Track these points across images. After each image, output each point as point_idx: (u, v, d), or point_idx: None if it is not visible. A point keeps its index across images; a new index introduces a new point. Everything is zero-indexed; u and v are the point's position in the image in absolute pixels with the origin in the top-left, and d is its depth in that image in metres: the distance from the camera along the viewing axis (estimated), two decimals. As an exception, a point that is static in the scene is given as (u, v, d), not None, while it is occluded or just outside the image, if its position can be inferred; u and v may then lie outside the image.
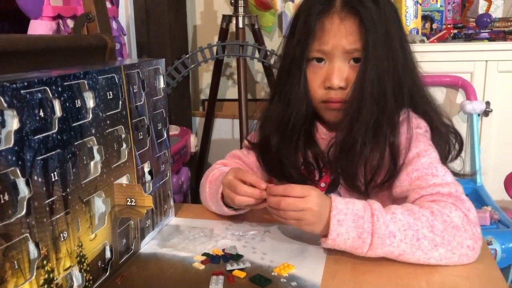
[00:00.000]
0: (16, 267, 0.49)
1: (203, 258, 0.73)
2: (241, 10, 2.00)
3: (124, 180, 0.71)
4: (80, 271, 0.61)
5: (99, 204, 0.66)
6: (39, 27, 1.36)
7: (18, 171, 0.49)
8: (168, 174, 0.87)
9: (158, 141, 0.82)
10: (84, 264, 0.62)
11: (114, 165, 0.68)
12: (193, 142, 1.94)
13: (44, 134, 0.53)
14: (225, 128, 2.38)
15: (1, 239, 0.47)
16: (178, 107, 2.30)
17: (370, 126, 0.78)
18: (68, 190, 0.57)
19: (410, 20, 1.95)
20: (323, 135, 0.87)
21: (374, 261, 0.71)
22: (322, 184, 0.88)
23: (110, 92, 0.66)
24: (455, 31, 2.05)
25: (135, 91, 0.73)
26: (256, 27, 2.05)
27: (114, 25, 1.61)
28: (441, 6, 2.11)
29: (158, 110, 0.82)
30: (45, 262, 0.54)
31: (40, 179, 0.52)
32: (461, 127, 1.83)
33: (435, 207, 0.70)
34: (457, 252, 0.68)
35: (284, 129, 0.85)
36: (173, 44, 2.23)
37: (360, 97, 0.78)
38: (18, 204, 0.50)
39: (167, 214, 0.88)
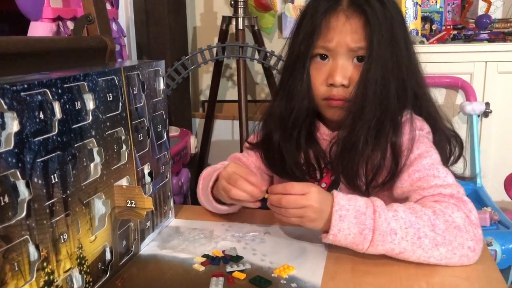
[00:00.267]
0: (16, 269, 0.49)
1: (203, 259, 0.73)
2: (241, 11, 2.00)
3: (124, 181, 0.71)
4: (80, 273, 0.61)
5: (99, 206, 0.66)
6: (39, 29, 1.36)
7: (18, 173, 0.49)
8: (168, 175, 0.87)
9: (158, 142, 0.82)
10: (84, 266, 0.62)
11: (114, 167, 0.68)
12: (193, 143, 1.94)
13: (44, 136, 0.53)
14: (225, 129, 2.38)
15: (1, 241, 0.47)
16: (178, 109, 2.30)
17: (373, 125, 0.78)
18: (68, 192, 0.58)
19: (410, 21, 1.95)
20: (324, 135, 0.88)
21: (374, 262, 0.71)
22: (323, 185, 0.88)
23: (110, 94, 0.66)
24: (455, 32, 2.05)
25: (135, 92, 0.73)
26: (256, 28, 2.05)
27: (114, 26, 1.61)
28: (440, 7, 2.12)
29: (158, 112, 0.82)
30: (45, 264, 0.54)
31: (40, 181, 0.52)
32: (461, 128, 1.84)
33: (438, 206, 0.70)
34: (457, 252, 0.68)
35: (285, 124, 0.85)
36: (173, 45, 2.23)
37: (364, 95, 0.78)
38: (18, 206, 0.50)
39: (167, 215, 0.88)
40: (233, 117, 2.30)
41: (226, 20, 2.04)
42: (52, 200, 0.55)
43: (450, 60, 1.83)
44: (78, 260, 0.60)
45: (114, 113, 0.68)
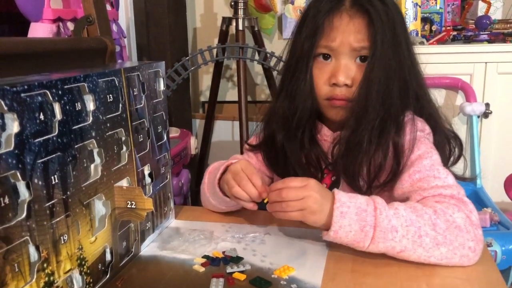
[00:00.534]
0: (17, 270, 0.49)
1: (203, 260, 0.73)
2: (241, 12, 2.00)
3: (124, 182, 0.71)
4: (80, 273, 0.61)
5: (99, 207, 0.66)
6: (39, 30, 1.36)
7: (18, 174, 0.49)
8: (168, 176, 0.87)
9: (158, 143, 0.82)
10: (85, 266, 0.62)
11: (114, 168, 0.68)
12: (193, 144, 1.94)
13: (44, 137, 0.53)
14: (225, 130, 2.38)
15: (2, 242, 0.47)
16: (178, 109, 2.30)
17: (376, 125, 0.78)
18: (68, 193, 0.58)
19: (410, 22, 1.95)
20: (325, 136, 0.88)
21: (374, 263, 0.71)
22: (323, 185, 0.88)
23: (110, 95, 0.67)
24: (455, 33, 2.05)
25: (135, 93, 0.73)
26: (256, 29, 2.05)
27: (114, 27, 1.62)
28: (440, 8, 2.12)
29: (158, 113, 0.82)
30: (45, 265, 0.54)
31: (40, 182, 0.52)
32: (461, 129, 1.84)
33: (438, 206, 0.70)
34: (458, 252, 0.68)
35: (289, 124, 0.85)
36: (173, 46, 2.23)
37: (367, 95, 0.78)
38: (19, 207, 0.50)
39: (167, 216, 0.88)
40: (233, 118, 2.30)
41: (226, 21, 2.04)
42: (53, 201, 0.55)
43: (450, 61, 1.83)
44: (79, 261, 0.60)
45: (114, 114, 0.68)
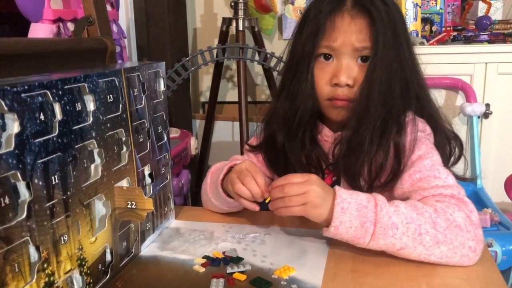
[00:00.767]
0: (17, 270, 0.49)
1: (204, 261, 0.73)
2: (241, 12, 2.00)
3: (124, 183, 0.71)
4: (80, 274, 0.61)
5: (100, 207, 0.66)
6: (40, 30, 1.36)
7: (18, 174, 0.49)
8: (168, 176, 0.87)
9: (159, 144, 0.82)
10: (85, 267, 0.62)
11: (114, 168, 0.68)
12: (193, 144, 1.94)
13: (44, 138, 0.53)
14: (225, 131, 2.38)
15: (2, 242, 0.47)
16: (178, 110, 2.30)
17: (378, 125, 0.79)
18: (68, 193, 0.58)
19: (410, 22, 1.95)
20: (325, 137, 0.88)
21: (374, 263, 0.71)
22: None
23: (111, 95, 0.67)
24: (455, 33, 2.05)
25: (135, 94, 0.74)
26: (256, 29, 2.05)
27: (114, 28, 1.62)
28: (440, 8, 2.12)
29: (158, 113, 0.82)
30: (45, 265, 0.54)
31: (40, 182, 0.52)
32: (461, 129, 1.84)
33: (439, 205, 0.70)
34: (458, 252, 0.68)
35: (290, 125, 0.85)
36: (173, 46, 2.23)
37: (369, 95, 0.78)
38: (19, 207, 0.50)
39: (167, 216, 0.88)
40: (233, 119, 2.30)
41: (226, 21, 2.04)
42: (53, 201, 0.55)
43: (450, 61, 1.83)
44: (79, 261, 0.60)
45: (115, 115, 0.68)
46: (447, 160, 0.87)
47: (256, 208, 0.78)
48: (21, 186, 0.50)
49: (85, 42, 1.03)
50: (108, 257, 0.68)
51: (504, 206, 1.75)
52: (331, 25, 0.80)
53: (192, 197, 2.03)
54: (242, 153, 1.01)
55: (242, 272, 0.70)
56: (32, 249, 0.52)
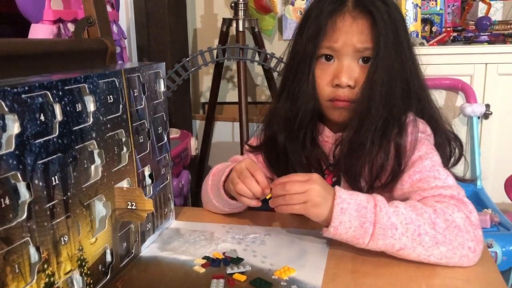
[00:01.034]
0: (17, 271, 0.49)
1: (204, 261, 0.73)
2: (241, 13, 2.00)
3: (124, 183, 0.71)
4: (80, 274, 0.61)
5: (100, 208, 0.66)
6: (40, 31, 1.36)
7: (19, 175, 0.49)
8: (168, 177, 0.87)
9: (159, 144, 0.82)
10: (85, 267, 0.62)
11: (114, 169, 0.68)
12: (194, 145, 1.94)
13: (45, 138, 0.53)
14: (225, 131, 2.38)
15: (2, 243, 0.47)
16: (178, 110, 2.30)
17: (379, 126, 0.79)
18: (68, 194, 0.58)
19: (410, 23, 1.95)
20: (326, 137, 0.88)
21: (374, 263, 0.71)
22: None
23: (111, 96, 0.67)
24: (455, 34, 2.05)
25: (135, 94, 0.74)
26: (256, 30, 2.05)
27: (114, 28, 1.62)
28: (440, 9, 2.12)
29: (158, 114, 0.82)
30: (45, 266, 0.54)
31: (40, 183, 0.52)
32: (461, 130, 1.83)
33: (438, 206, 0.70)
34: (458, 252, 0.68)
35: (291, 126, 0.85)
36: (173, 47, 2.23)
37: (370, 96, 0.78)
38: (19, 208, 0.50)
39: (167, 217, 0.88)
40: (234, 119, 2.30)
41: (227, 22, 2.04)
42: (53, 202, 0.55)
43: (450, 62, 1.83)
44: (79, 262, 0.60)
45: (115, 115, 0.68)
46: (447, 161, 0.87)
47: (258, 204, 0.78)
48: (22, 187, 0.50)
49: (85, 43, 1.03)
50: (108, 257, 0.68)
51: (504, 206, 1.75)
52: (332, 26, 0.80)
53: (192, 198, 2.03)
54: (242, 154, 1.01)
55: (242, 273, 0.70)
56: (32, 250, 0.52)
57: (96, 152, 0.64)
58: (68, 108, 0.57)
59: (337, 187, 0.72)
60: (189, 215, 0.94)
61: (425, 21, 2.10)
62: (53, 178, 0.54)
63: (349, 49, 0.80)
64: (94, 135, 0.63)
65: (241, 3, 1.99)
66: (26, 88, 0.50)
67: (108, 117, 0.66)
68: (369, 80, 0.79)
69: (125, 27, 2.09)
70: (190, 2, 2.42)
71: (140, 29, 2.20)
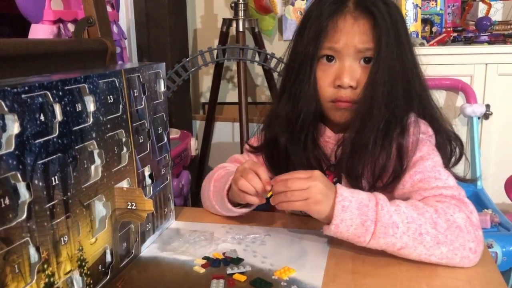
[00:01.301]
0: (17, 271, 0.49)
1: (204, 261, 0.73)
2: (241, 13, 2.00)
3: (124, 184, 0.71)
4: (80, 275, 0.61)
5: (100, 208, 0.66)
6: (40, 31, 1.36)
7: (18, 175, 0.49)
8: (168, 177, 0.87)
9: (159, 144, 0.82)
10: (85, 268, 0.62)
11: (114, 169, 0.68)
12: (194, 145, 1.94)
13: (44, 138, 0.53)
14: (225, 132, 2.38)
15: (2, 243, 0.47)
16: (178, 111, 2.30)
17: (381, 126, 0.79)
18: (68, 194, 0.58)
19: (410, 23, 1.95)
20: (327, 138, 0.88)
21: (374, 264, 0.71)
22: None
23: (111, 96, 0.67)
24: (455, 34, 2.05)
25: (135, 95, 0.74)
26: (256, 30, 2.05)
27: (114, 29, 1.62)
28: (440, 9, 2.12)
29: (158, 114, 0.82)
30: (45, 266, 0.54)
31: (40, 183, 0.52)
32: (461, 130, 1.83)
33: (439, 206, 0.70)
34: (459, 253, 0.68)
35: (293, 127, 0.85)
36: (173, 47, 2.23)
37: (372, 97, 0.78)
38: (19, 208, 0.50)
39: (167, 217, 0.88)
40: (234, 119, 2.30)
41: (227, 22, 2.05)
42: (53, 202, 0.55)
43: (450, 62, 1.83)
44: (79, 262, 0.60)
45: (115, 115, 0.68)
46: (448, 161, 0.87)
47: (262, 201, 0.78)
48: (21, 187, 0.50)
49: (86, 43, 1.03)
50: (108, 258, 0.68)
51: (504, 207, 1.75)
52: (333, 26, 0.80)
53: (192, 198, 2.03)
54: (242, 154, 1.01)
55: (242, 273, 0.70)
56: (32, 250, 0.52)
57: (96, 152, 0.64)
58: (68, 108, 0.57)
59: (338, 185, 0.72)
60: (189, 215, 0.94)
61: (425, 21, 2.10)
62: (53, 178, 0.54)
63: (351, 50, 0.80)
64: (94, 135, 0.63)
65: (241, 4, 1.99)
66: (26, 88, 0.50)
67: (108, 117, 0.66)
68: (371, 81, 0.79)
69: (125, 27, 2.09)
70: (190, 2, 2.42)
71: (140, 29, 2.20)
